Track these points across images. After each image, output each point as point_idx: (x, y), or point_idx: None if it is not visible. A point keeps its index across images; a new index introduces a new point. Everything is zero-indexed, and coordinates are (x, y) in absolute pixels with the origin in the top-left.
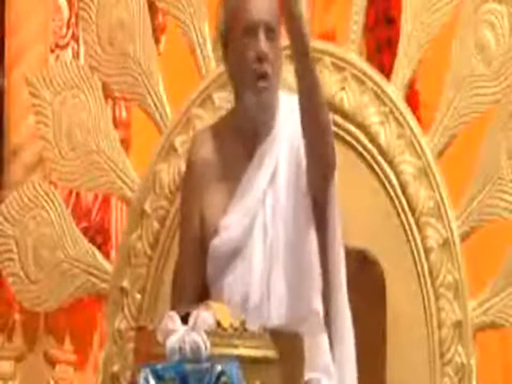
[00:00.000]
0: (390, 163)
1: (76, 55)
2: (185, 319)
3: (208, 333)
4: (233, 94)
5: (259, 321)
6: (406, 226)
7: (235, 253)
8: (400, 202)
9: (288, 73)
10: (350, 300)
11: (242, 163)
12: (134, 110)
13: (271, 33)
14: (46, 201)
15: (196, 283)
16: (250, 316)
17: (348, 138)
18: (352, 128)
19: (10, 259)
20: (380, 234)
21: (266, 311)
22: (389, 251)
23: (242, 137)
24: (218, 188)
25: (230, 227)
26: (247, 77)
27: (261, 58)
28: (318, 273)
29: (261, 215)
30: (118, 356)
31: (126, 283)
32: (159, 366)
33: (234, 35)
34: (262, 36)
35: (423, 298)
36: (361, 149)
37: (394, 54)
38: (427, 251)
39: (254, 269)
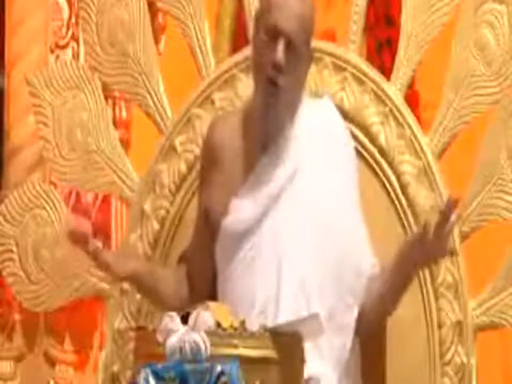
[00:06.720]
0: (390, 163)
1: (76, 55)
2: (185, 319)
3: (208, 333)
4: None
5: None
6: (406, 226)
7: (243, 241)
8: (400, 202)
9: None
10: None
11: (256, 153)
12: (134, 110)
13: (293, 45)
14: (46, 201)
15: (206, 266)
16: (256, 316)
17: None
18: (352, 128)
19: (10, 259)
20: (380, 234)
21: (273, 313)
22: (388, 251)
23: (255, 127)
24: (229, 173)
25: (241, 210)
26: (260, 77)
27: (275, 68)
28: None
29: (272, 213)
30: (118, 356)
31: (125, 283)
32: (159, 366)
33: (260, 29)
34: (281, 46)
35: (423, 297)
36: (361, 149)
37: (393, 54)
38: None
39: (261, 268)
